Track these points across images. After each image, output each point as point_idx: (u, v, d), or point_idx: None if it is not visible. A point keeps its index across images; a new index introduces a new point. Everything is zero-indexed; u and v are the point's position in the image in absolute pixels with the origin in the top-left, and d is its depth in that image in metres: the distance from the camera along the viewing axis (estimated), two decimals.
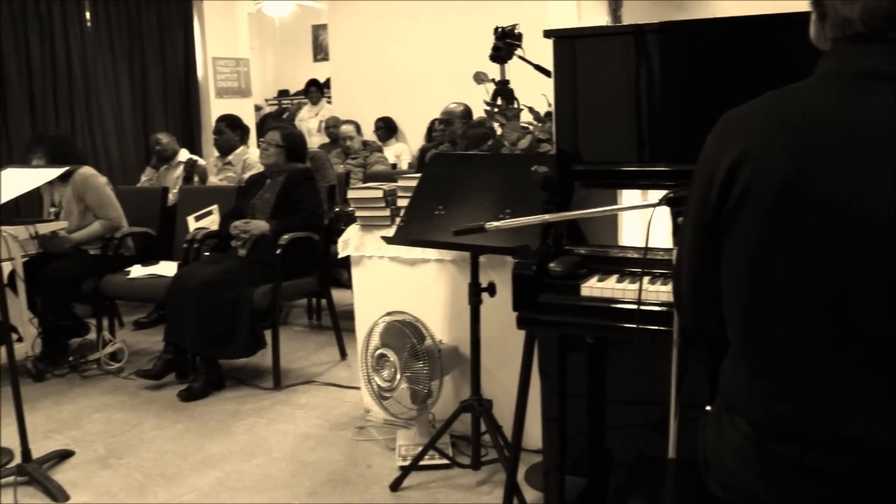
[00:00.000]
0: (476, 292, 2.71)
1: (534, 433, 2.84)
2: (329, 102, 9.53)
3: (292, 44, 11.53)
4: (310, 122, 9.15)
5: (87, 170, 4.64)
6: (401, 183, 3.21)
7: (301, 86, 10.45)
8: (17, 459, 3.15)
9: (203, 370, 3.94)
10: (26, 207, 5.58)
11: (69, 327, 4.56)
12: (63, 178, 4.56)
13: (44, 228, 4.38)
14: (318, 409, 3.72)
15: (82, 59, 7.25)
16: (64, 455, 3.30)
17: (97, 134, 7.36)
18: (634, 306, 2.04)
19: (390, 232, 2.96)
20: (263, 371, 4.23)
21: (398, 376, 3.01)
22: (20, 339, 4.16)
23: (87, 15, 7.36)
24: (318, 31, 11.29)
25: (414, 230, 2.75)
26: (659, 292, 2.07)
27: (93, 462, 3.26)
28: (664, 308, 2.03)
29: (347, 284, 5.51)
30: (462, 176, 2.77)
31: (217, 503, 2.89)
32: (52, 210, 4.74)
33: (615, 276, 2.21)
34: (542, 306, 2.19)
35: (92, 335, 4.74)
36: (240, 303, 3.84)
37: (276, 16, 10.79)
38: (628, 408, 2.58)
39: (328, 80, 10.01)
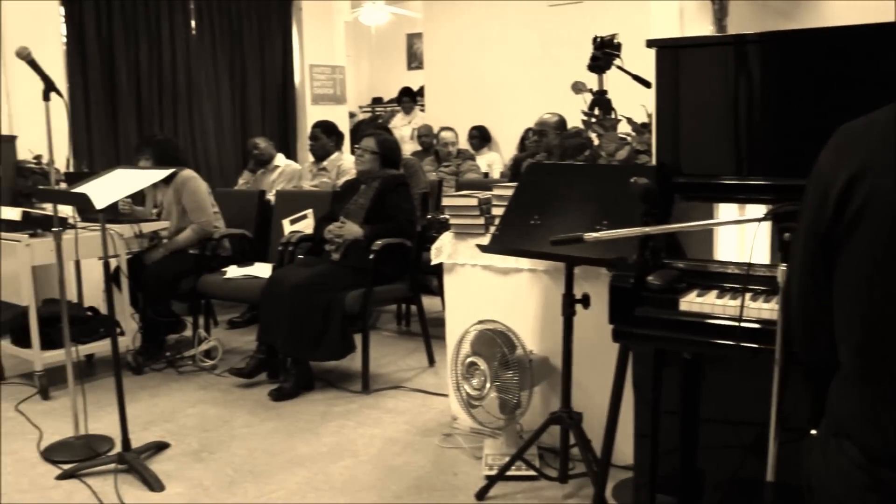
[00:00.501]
0: (570, 303, 2.68)
1: (623, 448, 2.80)
2: (422, 111, 9.60)
3: (387, 52, 11.67)
4: (402, 129, 9.24)
5: (188, 173, 4.79)
6: (496, 192, 3.21)
7: (395, 93, 10.56)
8: (118, 448, 3.27)
9: (294, 371, 4.01)
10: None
11: (167, 324, 4.72)
12: (166, 180, 4.71)
13: (147, 227, 4.55)
14: (405, 415, 3.73)
15: (186, 65, 7.50)
16: (160, 446, 3.41)
17: (198, 137, 7.59)
18: (735, 323, 1.99)
19: (484, 240, 2.96)
20: (352, 374, 4.28)
21: (488, 385, 3.00)
22: (122, 334, 4.32)
23: (193, 23, 7.60)
24: (413, 39, 11.40)
25: (509, 239, 2.74)
26: (761, 309, 2.01)
27: (186, 455, 3.35)
28: (766, 326, 1.97)
29: (436, 291, 5.53)
30: (559, 186, 2.75)
31: (304, 503, 2.93)
32: (155, 211, 4.91)
33: (715, 292, 2.16)
34: (639, 320, 2.15)
35: (188, 332, 4.89)
36: (332, 306, 3.89)
37: (372, 24, 10.94)
38: (722, 427, 2.52)
39: (421, 89, 10.09)
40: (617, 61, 3.27)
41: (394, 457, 3.27)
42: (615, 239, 2.10)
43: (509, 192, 2.99)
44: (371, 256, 4.00)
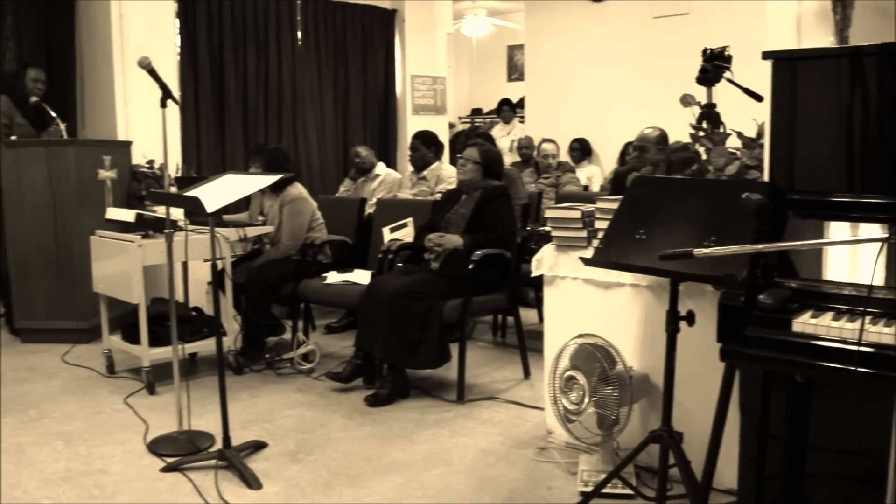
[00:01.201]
0: (674, 320, 2.62)
1: (724, 471, 2.71)
2: (521, 122, 9.59)
3: (487, 63, 11.72)
4: (501, 140, 9.25)
5: (296, 192, 4.89)
6: (599, 205, 3.17)
7: (494, 104, 10.58)
8: (218, 445, 3.35)
9: (390, 378, 4.04)
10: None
11: (268, 326, 4.83)
12: (274, 190, 4.84)
13: (252, 232, 4.67)
14: (499, 426, 3.71)
15: (292, 75, 7.69)
16: (258, 446, 3.47)
17: (301, 145, 7.77)
18: (853, 346, 1.90)
19: (587, 253, 2.92)
20: (447, 383, 4.28)
21: (586, 400, 2.96)
22: (224, 334, 4.44)
23: (299, 35, 7.79)
24: (514, 51, 11.42)
25: (613, 253, 2.70)
26: (881, 333, 1.92)
27: (283, 455, 3.41)
28: (884, 351, 1.88)
29: (532, 304, 5.52)
30: (665, 200, 2.70)
31: None
32: (261, 218, 5.04)
33: (830, 314, 2.07)
34: (749, 340, 2.08)
35: (287, 335, 5.00)
36: (430, 315, 3.91)
37: (474, 36, 11.00)
38: (832, 455, 2.42)
39: (521, 100, 10.08)
40: (727, 74, 3.19)
41: (488, 468, 3.26)
42: (722, 256, 2.05)
43: (613, 206, 2.95)
44: (470, 266, 4.00)
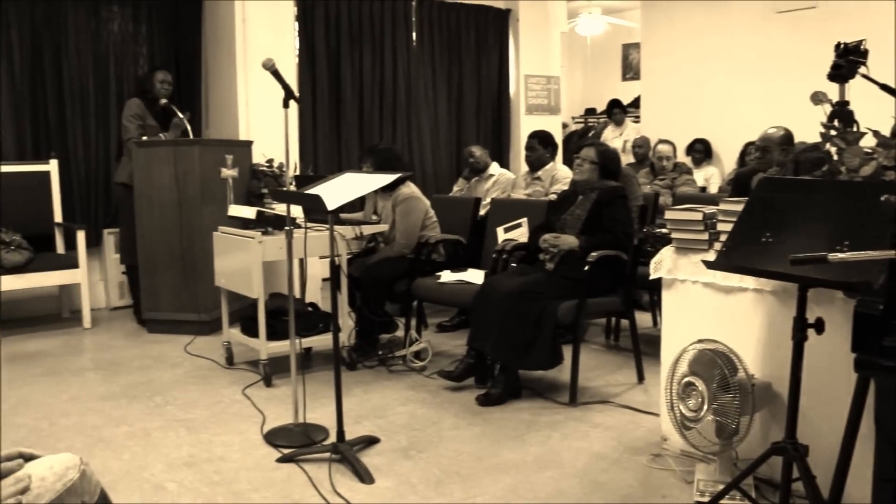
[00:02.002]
0: (801, 328, 2.51)
1: (851, 489, 2.57)
2: (635, 122, 9.42)
3: (602, 62, 11.56)
4: (614, 142, 9.10)
5: (409, 191, 4.95)
6: (722, 207, 3.06)
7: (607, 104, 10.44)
8: (332, 438, 3.41)
9: (502, 378, 4.03)
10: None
11: (381, 323, 4.89)
12: (387, 189, 4.90)
13: (368, 230, 4.74)
14: (612, 431, 3.65)
15: (406, 75, 7.79)
16: (371, 441, 3.51)
17: (415, 145, 7.86)
18: None
19: (709, 256, 2.83)
20: (559, 385, 4.24)
21: (705, 407, 2.87)
22: (339, 330, 4.51)
23: (414, 35, 7.88)
24: (629, 49, 11.23)
25: (738, 256, 2.60)
26: None
27: (395, 451, 3.44)
28: None
29: (646, 307, 5.41)
30: (794, 202, 2.58)
31: None
32: (375, 218, 5.11)
33: None
34: (888, 350, 1.97)
35: (400, 333, 5.05)
36: (543, 316, 3.88)
37: (588, 34, 10.87)
38: None
39: (635, 100, 9.90)
40: (862, 69, 3.04)
41: (600, 473, 3.20)
42: (855, 262, 1.95)
43: (737, 208, 2.85)
44: (586, 268, 3.95)
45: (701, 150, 7.62)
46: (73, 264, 5.73)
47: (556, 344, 3.93)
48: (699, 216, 3.14)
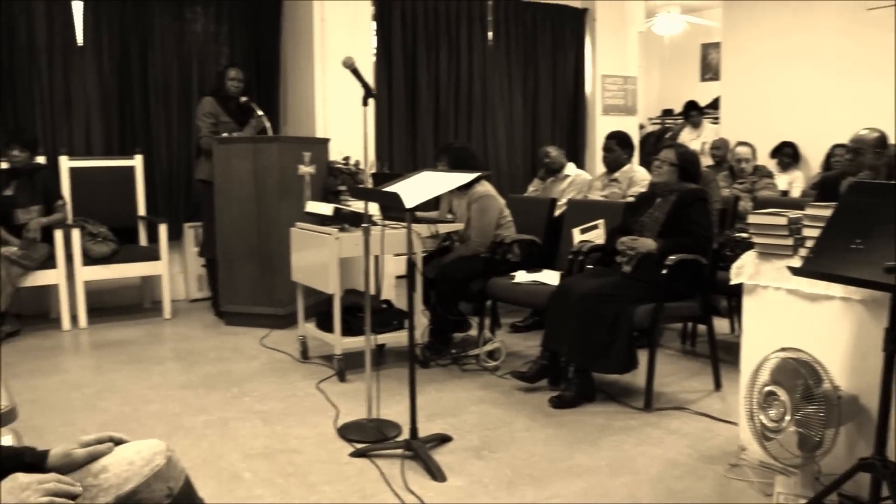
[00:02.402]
0: (893, 339, 2.43)
1: None
2: (713, 123, 9.24)
3: (680, 62, 11.36)
4: (691, 144, 8.94)
5: (484, 189, 4.94)
6: (809, 211, 2.98)
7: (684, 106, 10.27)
8: (405, 435, 3.43)
9: (576, 380, 3.99)
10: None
11: (455, 322, 4.90)
12: (463, 188, 4.90)
13: (443, 228, 4.76)
14: (688, 438, 3.58)
15: (482, 75, 7.79)
16: (443, 439, 3.51)
17: (490, 145, 7.86)
18: None
19: (794, 262, 2.75)
20: (633, 390, 4.19)
21: (787, 418, 2.79)
22: (414, 328, 4.54)
23: (490, 34, 7.87)
24: (708, 49, 11.01)
25: (825, 263, 2.53)
26: None
27: (467, 450, 3.43)
28: None
29: (724, 313, 5.29)
30: (888, 208, 2.49)
31: None
32: (450, 217, 5.12)
33: None
34: None
35: (473, 332, 5.05)
36: (619, 319, 3.83)
37: (666, 34, 10.70)
38: None
39: (713, 101, 9.72)
40: None
41: (675, 480, 3.15)
42: None
43: (825, 213, 2.76)
44: (664, 271, 3.88)
45: (789, 154, 7.41)
46: (155, 256, 5.90)
47: (631, 348, 3.87)
48: (784, 220, 3.05)
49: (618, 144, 5.67)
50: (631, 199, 4.98)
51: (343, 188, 5.73)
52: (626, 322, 3.83)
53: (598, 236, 4.62)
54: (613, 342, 3.84)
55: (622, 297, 3.88)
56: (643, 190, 4.87)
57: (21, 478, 1.33)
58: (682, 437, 3.59)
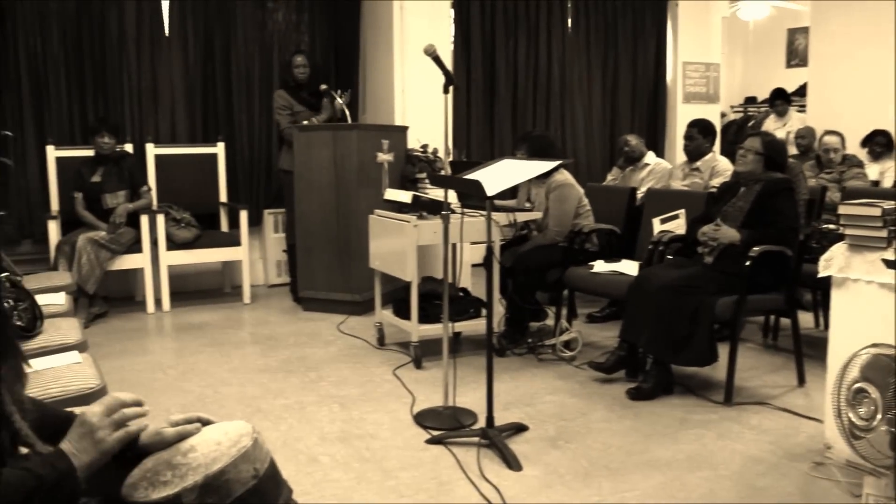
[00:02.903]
0: None
1: None
2: (800, 111, 8.96)
3: (764, 48, 11.02)
4: (776, 133, 8.67)
5: (563, 177, 4.89)
6: None
7: (769, 92, 9.96)
8: (480, 423, 3.44)
9: (654, 372, 3.93)
10: None
11: (531, 311, 4.88)
12: (542, 176, 4.85)
13: (521, 217, 4.73)
14: (770, 434, 3.49)
15: (561, 62, 7.71)
16: (519, 428, 3.50)
17: (567, 133, 7.78)
18: None
19: (887, 254, 2.65)
20: (713, 384, 4.10)
21: (878, 416, 2.69)
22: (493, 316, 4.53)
23: (569, 22, 7.78)
24: (794, 34, 10.66)
25: None
26: None
27: (543, 440, 3.42)
28: None
29: (808, 307, 5.14)
30: None
31: None
32: (528, 205, 5.09)
33: None
34: None
35: (550, 322, 5.02)
36: (700, 311, 3.75)
37: (751, 19, 10.41)
38: None
39: (799, 88, 9.42)
40: None
41: (757, 477, 3.07)
42: None
43: None
44: (747, 263, 3.78)
45: (882, 143, 7.11)
46: (235, 242, 6.02)
47: (712, 340, 3.79)
48: (877, 212, 2.93)
49: (699, 133, 5.55)
50: (713, 189, 4.87)
51: (421, 176, 5.75)
52: (706, 314, 3.75)
53: (678, 226, 4.53)
54: (693, 334, 3.77)
55: (703, 289, 3.80)
56: (725, 180, 4.76)
57: (88, 417, 1.34)
58: (763, 433, 3.50)
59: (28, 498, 1.18)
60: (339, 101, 5.72)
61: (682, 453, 3.28)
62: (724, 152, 6.51)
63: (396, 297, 4.82)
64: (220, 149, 6.36)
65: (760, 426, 3.59)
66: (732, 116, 10.56)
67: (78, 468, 1.27)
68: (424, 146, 6.02)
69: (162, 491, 1.41)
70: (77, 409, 1.58)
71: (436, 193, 4.76)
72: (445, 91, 3.52)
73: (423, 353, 4.44)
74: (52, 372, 2.66)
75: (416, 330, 4.41)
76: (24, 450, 1.38)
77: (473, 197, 4.15)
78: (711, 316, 3.76)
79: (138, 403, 1.42)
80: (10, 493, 1.16)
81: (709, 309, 3.75)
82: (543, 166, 3.51)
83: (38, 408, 1.42)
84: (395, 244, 4.47)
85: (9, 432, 1.32)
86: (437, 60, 3.51)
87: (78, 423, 1.33)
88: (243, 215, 6.02)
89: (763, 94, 10.37)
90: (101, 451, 1.33)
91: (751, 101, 10.81)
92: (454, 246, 4.15)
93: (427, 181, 5.63)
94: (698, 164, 5.54)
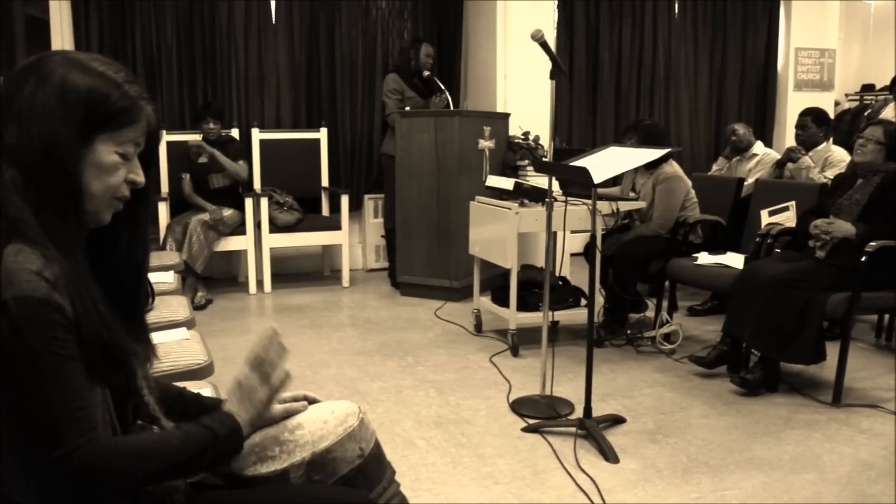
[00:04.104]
0: None
1: None
2: None
3: (885, 32, 10.49)
4: None
5: (673, 169, 4.77)
6: None
7: (888, 80, 9.47)
8: (577, 413, 3.41)
9: (759, 368, 3.81)
10: None
11: (631, 302, 4.81)
12: (648, 167, 4.76)
13: (624, 206, 4.65)
14: (882, 439, 3.33)
15: (667, 50, 7.54)
16: (617, 420, 3.46)
17: (672, 122, 7.61)
18: None
19: None
20: (820, 383, 3.96)
21: None
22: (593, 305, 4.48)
23: (676, 7, 7.59)
24: None
25: None
26: None
27: (641, 433, 3.36)
28: None
29: None
30: None
31: None
32: (632, 195, 4.99)
33: None
34: None
35: (649, 313, 4.93)
36: (810, 306, 3.60)
37: (872, 1, 9.92)
38: None
39: None
40: None
41: (868, 483, 2.94)
42: None
43: None
44: (862, 258, 3.62)
45: None
46: (336, 226, 6.12)
47: (821, 338, 3.65)
48: None
49: (813, 122, 5.33)
50: (826, 181, 4.68)
51: (522, 163, 5.71)
52: (816, 310, 3.60)
53: (788, 219, 4.37)
54: (801, 330, 3.63)
55: (813, 284, 3.65)
56: (840, 171, 4.56)
57: (244, 379, 1.41)
58: (874, 438, 3.35)
59: (203, 450, 1.27)
60: (443, 89, 5.73)
61: (786, 454, 3.18)
62: (836, 142, 6.24)
63: (495, 284, 4.81)
64: (322, 134, 6.47)
65: (872, 430, 3.43)
66: (846, 105, 10.11)
67: (242, 425, 1.35)
68: (526, 133, 5.98)
69: (270, 466, 1.45)
70: (187, 384, 1.64)
71: (537, 181, 4.72)
72: (552, 77, 3.46)
73: (520, 342, 4.42)
74: (163, 347, 2.74)
75: (514, 318, 4.39)
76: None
77: (576, 185, 4.11)
78: (821, 312, 3.61)
79: (272, 354, 1.48)
80: (191, 444, 1.26)
81: (819, 305, 3.60)
82: (651, 154, 3.43)
83: (157, 384, 1.48)
84: (496, 231, 4.46)
85: (134, 405, 1.38)
86: (545, 46, 3.46)
87: (236, 387, 1.40)
88: (344, 200, 6.11)
89: (882, 81, 9.86)
90: (258, 409, 1.40)
91: (868, 88, 10.32)
92: (554, 234, 4.10)
93: (528, 168, 5.60)
94: (811, 154, 5.32)
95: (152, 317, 3.15)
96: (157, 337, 2.87)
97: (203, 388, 2.23)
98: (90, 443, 1.16)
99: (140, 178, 1.32)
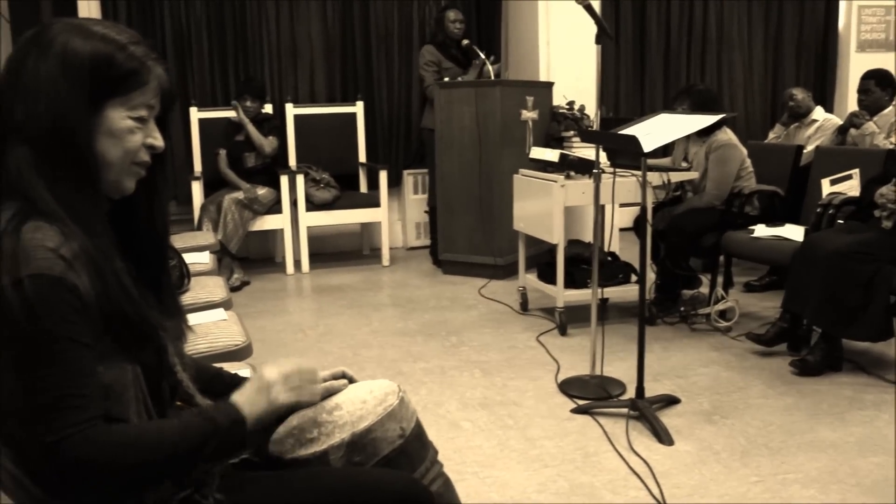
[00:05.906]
0: None
1: None
2: None
3: None
4: None
5: (727, 137, 4.55)
6: None
7: None
8: (629, 394, 3.30)
9: (821, 346, 3.63)
10: None
11: (684, 278, 4.63)
12: (701, 135, 4.56)
13: (676, 177, 4.46)
14: None
15: (719, 11, 7.29)
16: (671, 401, 3.33)
17: (725, 87, 7.37)
18: None
19: None
20: (887, 362, 3.77)
21: None
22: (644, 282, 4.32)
23: None
24: None
25: None
26: None
27: (697, 414, 3.23)
28: None
29: None
30: None
31: (825, 495, 2.59)
32: (685, 165, 4.79)
33: None
34: None
35: (704, 289, 4.75)
36: (876, 280, 3.40)
37: None
38: None
39: None
40: None
41: None
42: None
43: None
44: None
45: None
46: (375, 203, 6.00)
47: (888, 314, 3.45)
48: None
49: (877, 85, 5.08)
50: (892, 146, 4.43)
51: (567, 134, 5.53)
52: (883, 284, 3.40)
53: (851, 188, 4.15)
54: (867, 306, 3.43)
55: (880, 256, 3.45)
56: None
57: (266, 374, 1.35)
58: None
59: (204, 441, 1.22)
60: (482, 56, 5.55)
61: (851, 436, 3.01)
62: None
63: (541, 260, 4.68)
64: (359, 108, 6.35)
65: None
66: None
67: (248, 419, 1.29)
68: (570, 103, 5.79)
69: (309, 448, 1.42)
70: (225, 365, 1.58)
71: (583, 152, 4.55)
72: (597, 42, 3.30)
73: (568, 320, 4.28)
74: (200, 328, 2.69)
75: (562, 295, 4.25)
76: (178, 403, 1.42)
77: (625, 155, 3.93)
78: (889, 286, 3.41)
79: (313, 373, 1.44)
80: (192, 434, 1.22)
81: (886, 279, 3.40)
82: (703, 120, 3.25)
83: (193, 363, 1.46)
84: (541, 205, 4.31)
85: (170, 384, 1.35)
86: (590, 9, 3.29)
87: (255, 378, 1.35)
88: (383, 176, 5.98)
89: None
90: (272, 407, 1.34)
91: None
92: (602, 207, 3.94)
93: (573, 139, 5.42)
94: (875, 119, 5.06)
95: (188, 298, 3.10)
96: (193, 318, 2.80)
97: (242, 370, 2.20)
98: (83, 433, 1.11)
99: (159, 141, 1.29)
